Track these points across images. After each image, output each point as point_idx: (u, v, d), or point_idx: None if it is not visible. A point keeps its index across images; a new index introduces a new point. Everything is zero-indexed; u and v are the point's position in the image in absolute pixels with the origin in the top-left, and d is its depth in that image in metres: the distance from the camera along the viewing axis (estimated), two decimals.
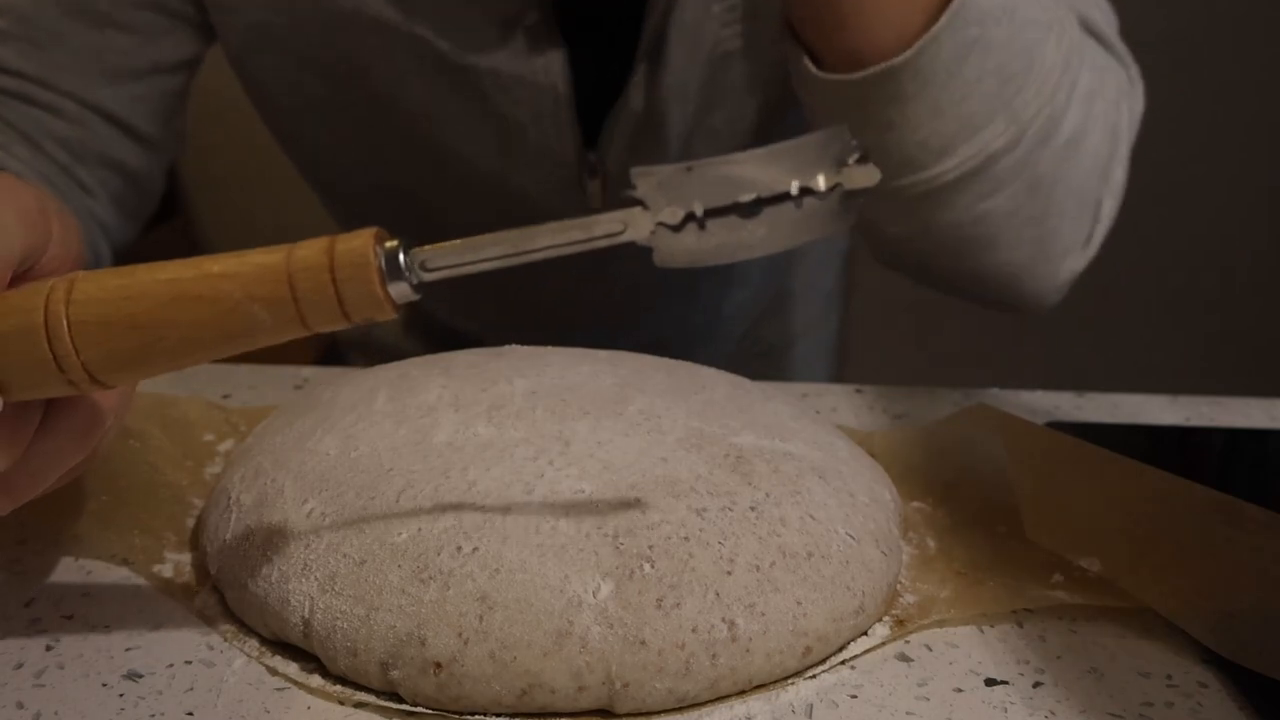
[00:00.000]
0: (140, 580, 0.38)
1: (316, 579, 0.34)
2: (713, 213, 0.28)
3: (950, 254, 0.54)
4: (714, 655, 0.32)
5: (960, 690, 0.34)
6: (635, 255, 0.31)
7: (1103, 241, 0.56)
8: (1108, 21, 0.58)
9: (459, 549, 0.33)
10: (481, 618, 0.32)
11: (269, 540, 0.35)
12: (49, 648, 0.35)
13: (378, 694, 0.33)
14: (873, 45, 0.49)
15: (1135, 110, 0.57)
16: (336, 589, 0.33)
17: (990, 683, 0.34)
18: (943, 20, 0.47)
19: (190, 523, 0.41)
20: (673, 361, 0.45)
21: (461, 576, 0.32)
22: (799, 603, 0.33)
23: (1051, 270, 0.55)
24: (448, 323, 0.80)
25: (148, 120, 0.62)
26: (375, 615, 0.32)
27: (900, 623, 0.36)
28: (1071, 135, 0.51)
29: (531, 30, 0.60)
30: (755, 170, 0.28)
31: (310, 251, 0.27)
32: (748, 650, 0.32)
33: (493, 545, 0.33)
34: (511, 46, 0.61)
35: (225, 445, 0.46)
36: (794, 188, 0.28)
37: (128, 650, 0.35)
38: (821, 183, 0.27)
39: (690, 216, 0.28)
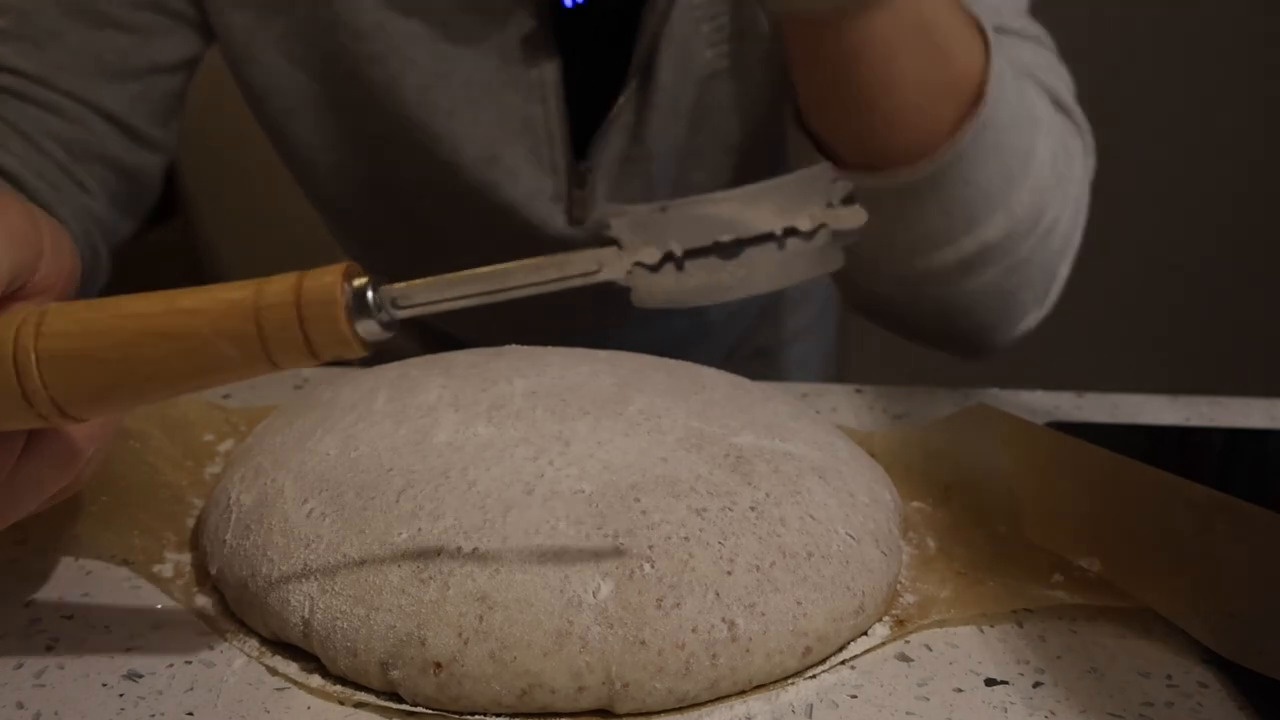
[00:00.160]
0: (140, 580, 0.38)
1: (316, 579, 0.34)
2: (692, 253, 0.27)
3: (924, 316, 0.56)
4: (714, 655, 0.32)
5: (960, 690, 0.34)
6: None
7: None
8: (1066, 87, 0.59)
9: (459, 549, 0.33)
10: (481, 618, 0.32)
11: (269, 540, 0.35)
12: (49, 648, 0.35)
13: (378, 694, 0.33)
14: (895, 150, 0.49)
15: (1090, 175, 0.59)
16: (336, 589, 0.33)
17: (990, 683, 0.34)
18: (970, 132, 0.48)
19: (190, 523, 0.41)
20: (673, 361, 0.45)
21: (461, 576, 0.32)
22: (799, 603, 0.33)
23: (1011, 329, 0.58)
24: (435, 326, 0.80)
25: (147, 119, 0.62)
26: (375, 615, 0.32)
27: (900, 623, 0.36)
28: (1050, 222, 0.54)
29: (528, 40, 0.61)
30: (735, 210, 0.27)
31: (278, 288, 0.27)
32: (748, 650, 0.32)
33: (493, 545, 0.33)
34: (507, 55, 0.61)
35: (225, 445, 0.46)
36: (777, 228, 0.27)
37: (128, 650, 0.35)
38: (806, 223, 0.27)
39: (669, 257, 0.27)
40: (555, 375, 0.41)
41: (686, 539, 0.33)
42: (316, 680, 0.33)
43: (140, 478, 0.42)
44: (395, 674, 0.32)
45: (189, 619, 0.36)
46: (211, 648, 0.35)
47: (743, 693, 0.33)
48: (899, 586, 0.38)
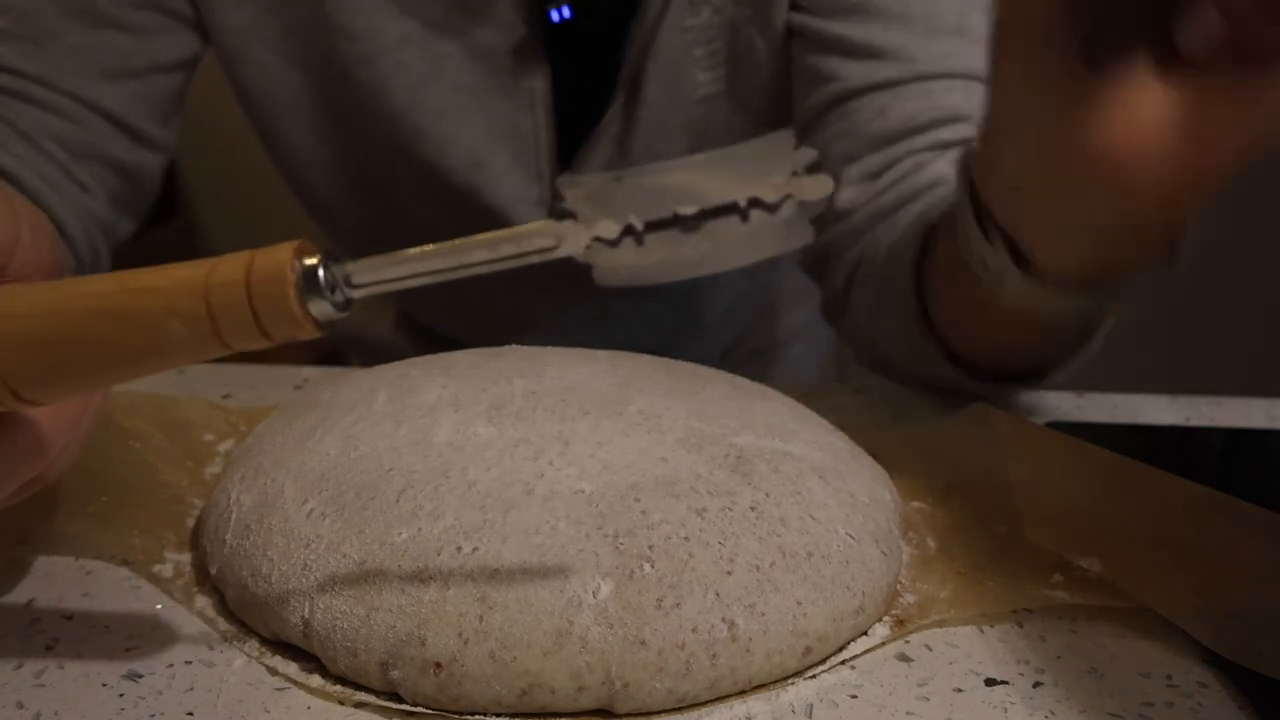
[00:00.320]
0: (140, 580, 0.38)
1: (316, 579, 0.34)
2: (652, 226, 0.26)
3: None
4: (714, 655, 0.32)
5: (960, 690, 0.34)
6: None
7: None
8: None
9: (459, 549, 0.33)
10: (481, 618, 0.32)
11: (269, 540, 0.35)
12: (49, 648, 0.35)
13: (378, 694, 0.33)
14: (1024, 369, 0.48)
15: None
16: (336, 589, 0.33)
17: (990, 683, 0.34)
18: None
19: (190, 523, 0.41)
20: (673, 361, 0.45)
21: (461, 576, 0.32)
22: (799, 603, 0.33)
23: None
24: (427, 323, 0.81)
25: (146, 119, 0.62)
26: (375, 615, 0.32)
27: (900, 623, 0.36)
28: None
29: (519, 48, 0.61)
30: (693, 179, 0.26)
31: (229, 266, 0.26)
32: (748, 650, 0.32)
33: (493, 545, 0.33)
34: (497, 62, 0.62)
35: (225, 445, 0.46)
36: (740, 198, 0.25)
37: (128, 650, 0.35)
38: (770, 193, 0.25)
39: (628, 231, 0.26)
40: (555, 375, 0.41)
41: (686, 539, 0.33)
42: (316, 680, 0.33)
43: (140, 478, 0.42)
44: (395, 674, 0.32)
45: (189, 619, 0.36)
46: (211, 648, 0.35)
47: (743, 693, 0.33)
48: (899, 586, 0.38)
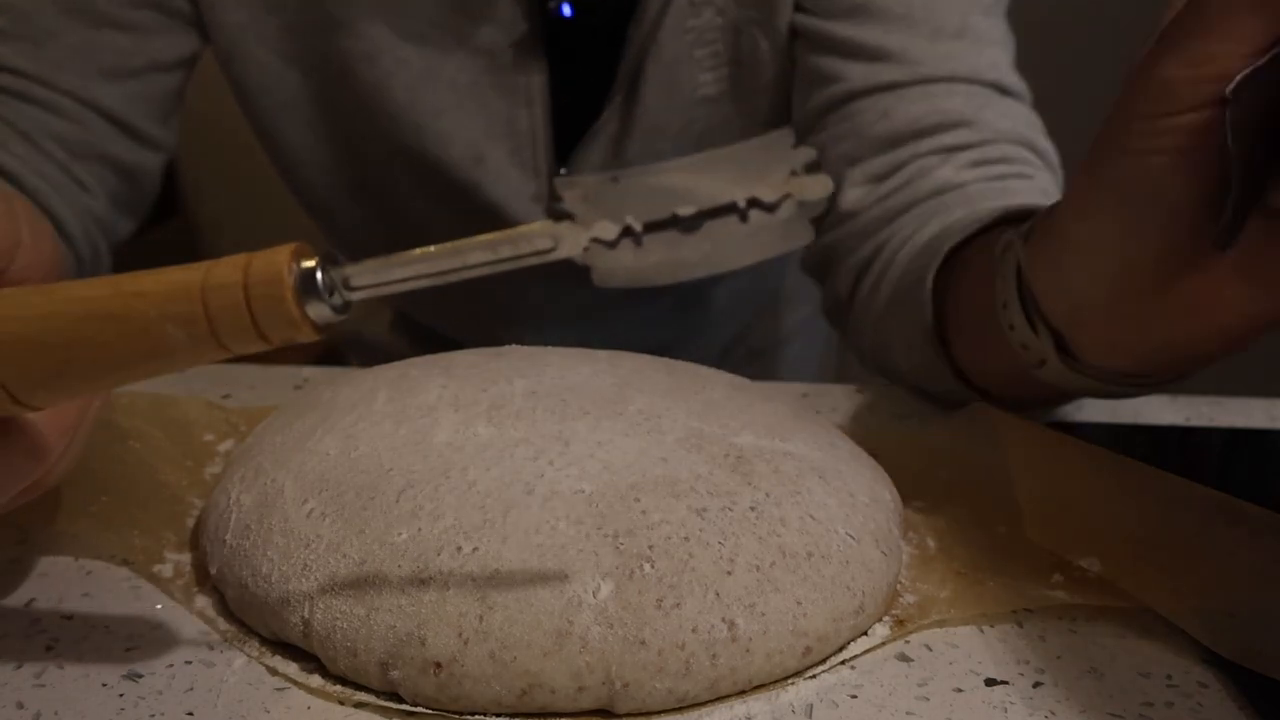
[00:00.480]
0: (140, 580, 0.38)
1: (316, 579, 0.34)
2: (650, 227, 0.26)
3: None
4: (714, 655, 0.32)
5: (960, 690, 0.34)
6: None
7: None
8: (1041, 131, 0.59)
9: (459, 549, 0.33)
10: (481, 618, 0.32)
11: (269, 540, 0.35)
12: (49, 648, 0.35)
13: (378, 694, 0.33)
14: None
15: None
16: (336, 589, 0.33)
17: (990, 683, 0.34)
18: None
19: (190, 523, 0.41)
20: (673, 361, 0.45)
21: (461, 576, 0.32)
22: (799, 603, 0.33)
23: None
24: (424, 323, 0.81)
25: (145, 118, 0.62)
26: (375, 615, 0.32)
27: (900, 623, 0.36)
28: None
29: (518, 45, 0.61)
30: (690, 179, 0.26)
31: (226, 269, 0.26)
32: (748, 650, 0.32)
33: (493, 545, 0.33)
34: (497, 58, 0.62)
35: (225, 445, 0.46)
36: (738, 198, 0.25)
37: (128, 650, 0.35)
38: (768, 193, 0.25)
39: (627, 232, 0.26)
40: (555, 375, 0.41)
41: (686, 539, 0.33)
42: (316, 680, 0.33)
43: (140, 478, 0.42)
44: (395, 674, 0.32)
45: (189, 619, 0.36)
46: (211, 648, 0.35)
47: (743, 693, 0.33)
48: (899, 586, 0.38)
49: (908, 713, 0.33)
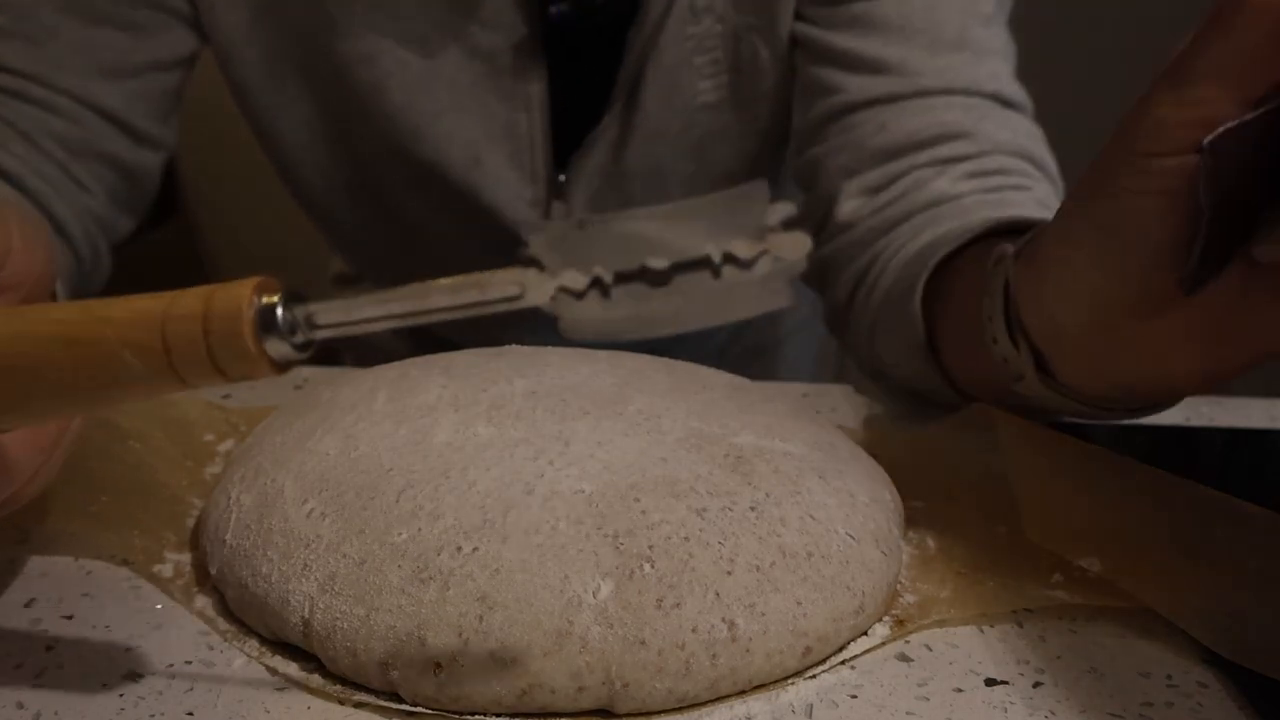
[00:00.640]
0: (140, 580, 0.38)
1: (316, 579, 0.34)
2: (620, 278, 0.25)
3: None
4: (714, 655, 0.32)
5: (960, 690, 0.34)
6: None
7: None
8: (1042, 143, 0.59)
9: (459, 549, 0.33)
10: (481, 618, 0.32)
11: (269, 540, 0.35)
12: (49, 648, 0.35)
13: (378, 694, 0.33)
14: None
15: None
16: (336, 589, 0.33)
17: (990, 683, 0.34)
18: None
19: (190, 523, 0.41)
20: (673, 361, 0.45)
21: (461, 576, 0.32)
22: (799, 603, 0.33)
23: None
24: (429, 328, 0.81)
25: (145, 117, 0.62)
26: (375, 615, 0.32)
27: (900, 623, 0.36)
28: None
29: (518, 48, 0.61)
30: (660, 229, 0.25)
31: (189, 300, 0.25)
32: (748, 650, 0.32)
33: (493, 545, 0.33)
34: (496, 62, 0.62)
35: (225, 445, 0.46)
36: (712, 253, 0.24)
37: (128, 650, 0.35)
38: (743, 250, 0.24)
39: (596, 282, 0.25)
40: (555, 375, 0.41)
41: (686, 539, 0.33)
42: (316, 680, 0.33)
43: (140, 478, 0.42)
44: (395, 674, 0.32)
45: (189, 619, 0.36)
46: (211, 648, 0.35)
47: (743, 693, 0.33)
48: (899, 586, 0.38)
49: (908, 713, 0.33)
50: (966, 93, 0.57)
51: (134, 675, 0.33)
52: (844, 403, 0.53)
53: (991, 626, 0.37)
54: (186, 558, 0.39)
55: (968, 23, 0.58)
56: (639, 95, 0.62)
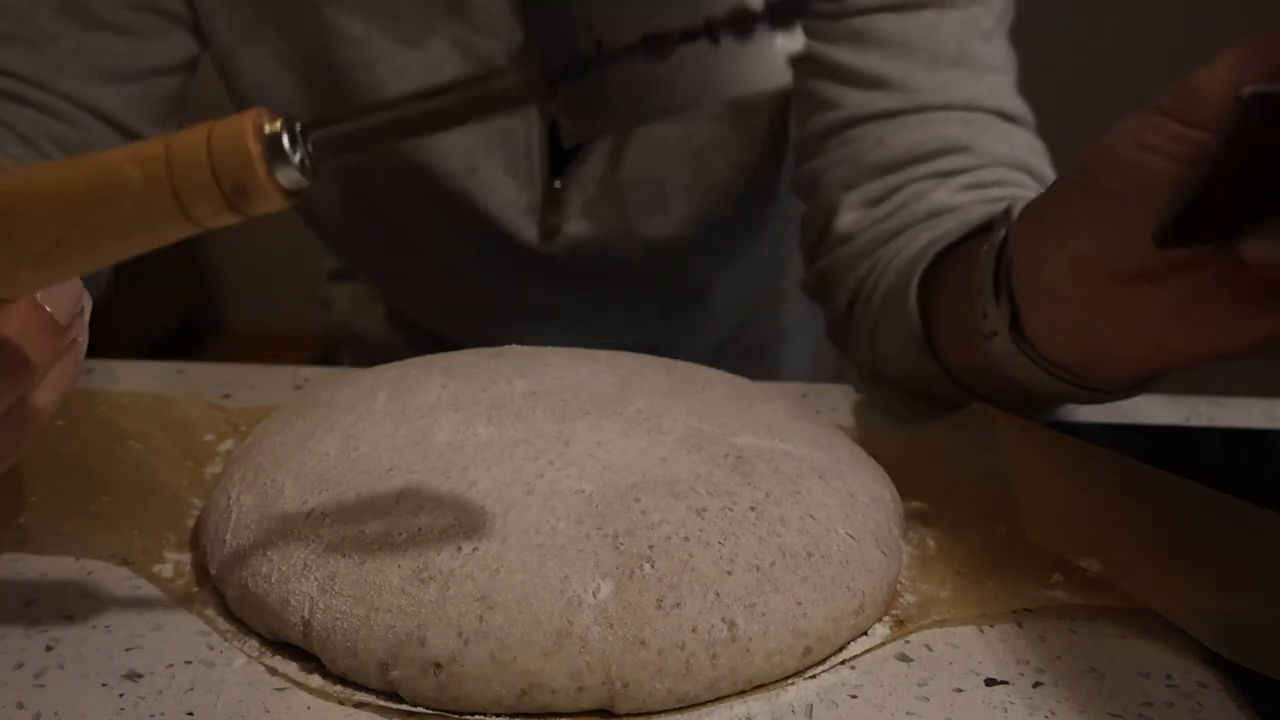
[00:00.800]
0: (140, 580, 0.38)
1: (316, 579, 0.34)
2: (623, 51, 0.25)
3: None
4: (714, 655, 0.32)
5: (960, 690, 0.34)
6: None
7: None
8: (1044, 157, 0.60)
9: (459, 549, 0.33)
10: (481, 618, 0.32)
11: (269, 540, 0.35)
12: (49, 648, 0.35)
13: (378, 694, 0.33)
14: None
15: None
16: (336, 589, 0.33)
17: (990, 683, 0.34)
18: None
19: (190, 523, 0.41)
20: (672, 361, 0.45)
21: (461, 576, 0.32)
22: (799, 603, 0.33)
23: None
24: (417, 321, 0.81)
25: (144, 121, 0.62)
26: (375, 615, 0.32)
27: (900, 623, 0.36)
28: None
29: (517, 55, 0.61)
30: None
31: (189, 133, 0.25)
32: (748, 650, 0.32)
33: (493, 545, 0.33)
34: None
35: (225, 445, 0.46)
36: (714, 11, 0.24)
37: (128, 650, 0.35)
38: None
39: (598, 49, 0.25)
40: (555, 375, 0.41)
41: (686, 539, 0.33)
42: (316, 680, 0.33)
43: (140, 478, 0.42)
44: (395, 674, 0.32)
45: (189, 619, 0.36)
46: (211, 648, 0.35)
47: (743, 693, 0.33)
48: (899, 586, 0.38)
49: (908, 713, 0.33)
50: (966, 108, 0.58)
51: (134, 675, 0.33)
52: (844, 403, 0.53)
53: (991, 626, 0.37)
54: (186, 558, 0.39)
55: (967, 38, 0.58)
56: None
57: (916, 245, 0.53)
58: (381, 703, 0.32)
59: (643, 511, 0.34)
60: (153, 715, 0.32)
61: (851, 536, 0.36)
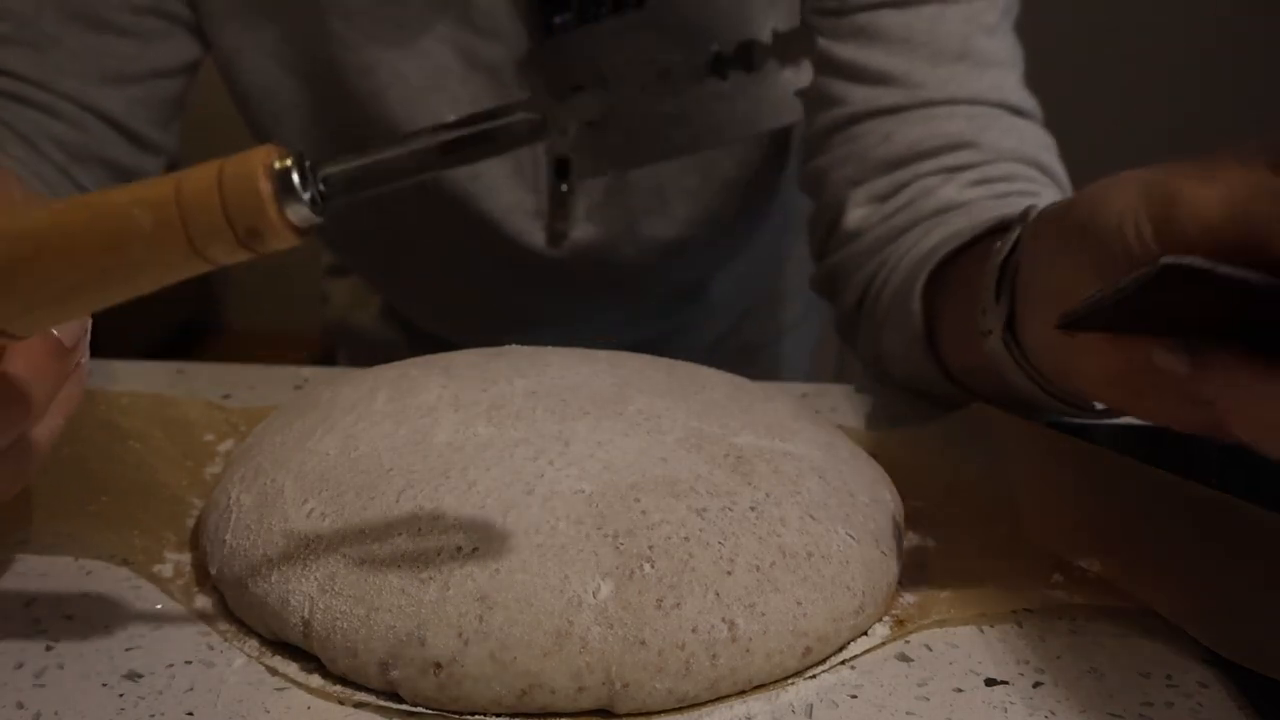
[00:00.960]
0: (140, 580, 0.38)
1: (316, 579, 0.34)
2: (630, 81, 0.25)
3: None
4: (714, 655, 0.32)
5: (960, 690, 0.34)
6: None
7: None
8: (1052, 152, 0.59)
9: (459, 549, 0.33)
10: (481, 618, 0.32)
11: (269, 540, 0.35)
12: (49, 648, 0.35)
13: (378, 694, 0.33)
14: None
15: None
16: (336, 589, 0.33)
17: (990, 683, 0.34)
18: None
19: (190, 523, 0.41)
20: (673, 361, 0.45)
21: (461, 576, 0.32)
22: (799, 603, 0.33)
23: None
24: (414, 320, 0.81)
25: (147, 123, 0.62)
26: (375, 615, 0.32)
27: (900, 623, 0.36)
28: None
29: (522, 62, 0.61)
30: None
31: (200, 170, 0.25)
32: (748, 650, 0.32)
33: (493, 545, 0.33)
34: (498, 75, 0.62)
35: (225, 445, 0.46)
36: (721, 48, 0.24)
37: (128, 650, 0.35)
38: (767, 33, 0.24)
39: (601, 94, 0.25)
40: (555, 375, 0.41)
41: (686, 539, 0.33)
42: (316, 680, 0.33)
43: (141, 478, 0.42)
44: (395, 674, 0.32)
45: (189, 619, 0.36)
46: (211, 648, 0.35)
47: (743, 693, 0.33)
48: (899, 586, 0.38)
49: (908, 713, 0.33)
50: (971, 102, 0.58)
51: (134, 675, 0.33)
52: (844, 403, 0.53)
53: (991, 626, 0.37)
54: (186, 558, 0.39)
55: (970, 33, 0.58)
56: None
57: (926, 243, 0.53)
58: (381, 703, 0.32)
59: (643, 511, 0.34)
60: (153, 715, 0.32)
61: (851, 536, 0.36)
